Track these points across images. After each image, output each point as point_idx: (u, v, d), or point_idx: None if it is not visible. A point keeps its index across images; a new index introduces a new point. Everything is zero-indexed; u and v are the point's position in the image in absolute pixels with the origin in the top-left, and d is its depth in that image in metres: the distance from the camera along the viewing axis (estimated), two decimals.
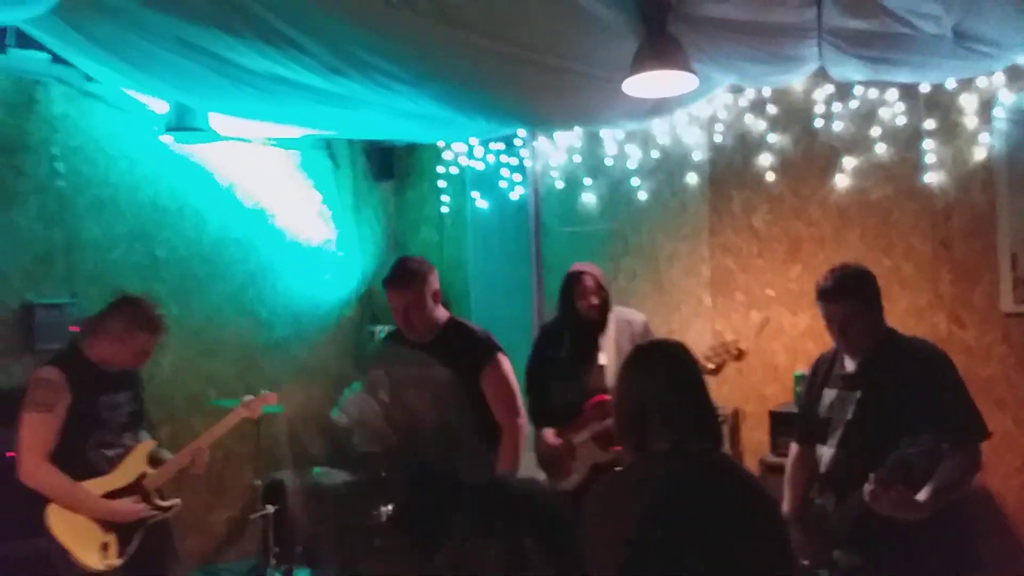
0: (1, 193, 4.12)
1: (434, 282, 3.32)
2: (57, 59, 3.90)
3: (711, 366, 3.56)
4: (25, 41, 3.88)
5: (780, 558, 1.78)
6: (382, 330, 5.70)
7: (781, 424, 4.01)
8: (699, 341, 4.20)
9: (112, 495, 3.06)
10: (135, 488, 3.14)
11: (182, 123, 4.26)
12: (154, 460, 3.27)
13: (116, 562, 3.02)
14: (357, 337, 5.87)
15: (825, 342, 3.05)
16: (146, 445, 3.24)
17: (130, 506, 3.08)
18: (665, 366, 1.88)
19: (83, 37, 3.12)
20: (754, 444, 4.51)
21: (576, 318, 3.76)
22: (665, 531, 1.65)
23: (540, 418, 3.79)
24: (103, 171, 4.54)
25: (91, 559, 2.97)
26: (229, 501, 5.01)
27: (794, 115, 4.40)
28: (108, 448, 3.10)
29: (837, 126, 4.24)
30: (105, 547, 3.00)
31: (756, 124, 4.52)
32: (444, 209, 5.93)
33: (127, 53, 3.24)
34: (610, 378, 3.68)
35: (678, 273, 4.92)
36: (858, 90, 4.11)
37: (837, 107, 4.23)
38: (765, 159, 4.50)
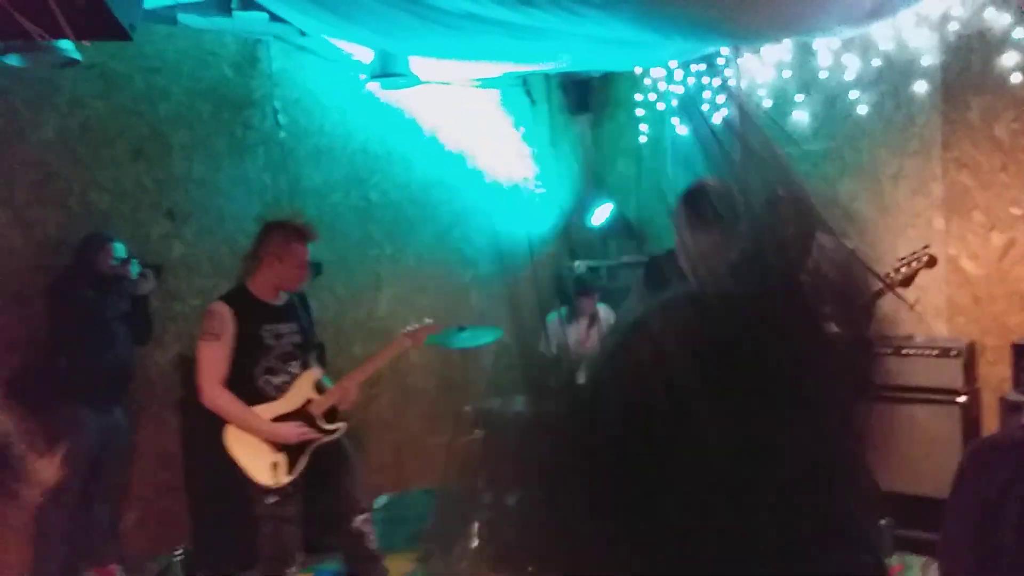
0: (233, 146, 4.51)
1: None
2: (274, 17, 4.17)
3: (900, 276, 3.22)
4: (246, 3, 4.19)
5: None
6: (580, 265, 5.71)
7: None
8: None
9: (280, 419, 3.34)
10: (300, 413, 3.39)
11: (385, 70, 4.43)
12: (320, 388, 3.52)
13: (285, 479, 3.32)
14: (557, 271, 5.93)
15: None
16: (312, 373, 3.49)
17: (294, 429, 3.34)
18: None
19: None
20: (995, 381, 4.10)
21: None
22: None
23: None
24: (319, 121, 4.84)
25: (263, 476, 3.28)
26: (444, 426, 5.30)
27: None
28: (274, 375, 3.37)
29: None
30: (275, 466, 3.30)
31: (999, 18, 4.02)
32: (643, 139, 5.77)
33: (330, 2, 3.40)
34: None
35: (904, 193, 4.52)
36: None
37: None
38: (1010, 58, 4.02)
